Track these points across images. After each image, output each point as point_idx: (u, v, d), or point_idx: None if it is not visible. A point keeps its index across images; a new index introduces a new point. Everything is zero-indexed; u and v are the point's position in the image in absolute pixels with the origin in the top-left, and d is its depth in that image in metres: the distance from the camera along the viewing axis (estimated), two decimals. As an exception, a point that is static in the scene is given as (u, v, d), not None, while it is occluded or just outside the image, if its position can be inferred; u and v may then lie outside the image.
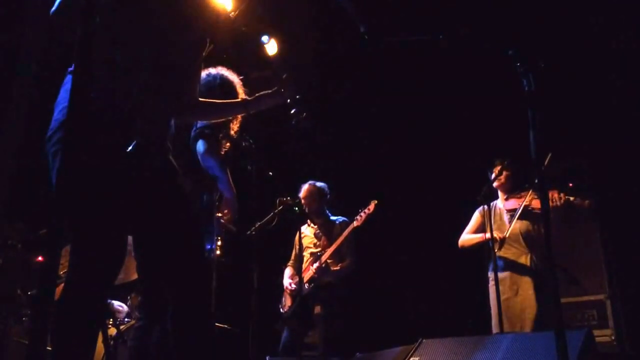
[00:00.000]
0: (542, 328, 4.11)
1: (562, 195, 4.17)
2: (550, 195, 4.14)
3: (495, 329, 4.22)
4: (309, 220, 5.26)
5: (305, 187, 5.26)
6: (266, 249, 4.49)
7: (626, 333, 4.87)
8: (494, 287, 4.28)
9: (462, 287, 4.65)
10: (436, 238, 5.27)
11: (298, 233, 4.63)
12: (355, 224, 5.05)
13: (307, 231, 5.25)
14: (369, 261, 6.25)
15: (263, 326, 4.72)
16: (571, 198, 4.22)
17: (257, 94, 2.62)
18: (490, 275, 4.47)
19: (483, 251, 4.59)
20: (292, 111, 2.97)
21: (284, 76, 2.58)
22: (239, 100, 2.80)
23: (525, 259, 4.35)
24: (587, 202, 4.27)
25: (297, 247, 4.88)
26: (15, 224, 4.08)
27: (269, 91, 2.57)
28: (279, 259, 5.63)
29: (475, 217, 4.66)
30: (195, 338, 2.12)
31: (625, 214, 5.17)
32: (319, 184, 5.33)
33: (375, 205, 5.08)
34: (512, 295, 4.27)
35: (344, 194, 5.94)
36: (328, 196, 5.33)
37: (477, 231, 4.60)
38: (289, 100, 2.61)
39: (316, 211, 5.22)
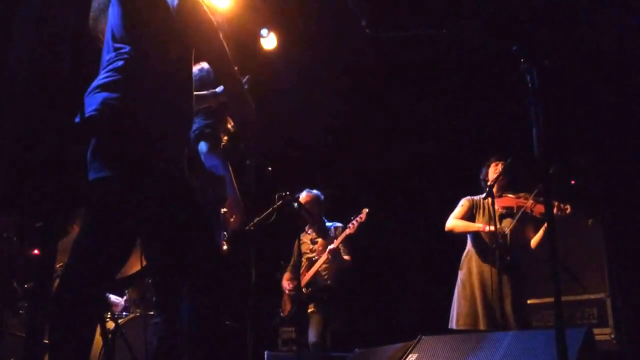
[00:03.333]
0: (514, 324, 4.15)
1: (567, 206, 4.17)
2: (556, 204, 4.15)
3: (480, 322, 4.22)
4: (306, 227, 5.43)
5: (304, 195, 5.38)
6: (264, 244, 4.49)
7: (626, 332, 4.87)
8: (470, 277, 4.39)
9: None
10: (435, 235, 5.25)
11: (297, 241, 4.74)
12: (348, 231, 5.21)
13: (305, 238, 5.40)
14: (368, 258, 6.26)
15: (261, 321, 4.72)
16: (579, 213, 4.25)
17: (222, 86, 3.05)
18: (464, 264, 4.52)
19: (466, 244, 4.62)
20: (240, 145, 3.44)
21: (247, 77, 2.98)
22: (209, 91, 3.09)
23: (507, 256, 4.37)
24: (590, 220, 4.31)
25: (296, 253, 5.00)
26: (12, 217, 4.06)
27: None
28: (277, 255, 5.64)
29: (463, 204, 4.65)
30: (211, 331, 2.16)
31: (626, 213, 5.16)
32: (314, 191, 5.49)
33: (367, 213, 5.22)
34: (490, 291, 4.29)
35: (345, 190, 5.94)
36: (323, 203, 5.50)
37: (464, 218, 4.59)
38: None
39: (314, 217, 5.35)
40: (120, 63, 2.17)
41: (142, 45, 2.20)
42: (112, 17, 2.25)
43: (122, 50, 2.19)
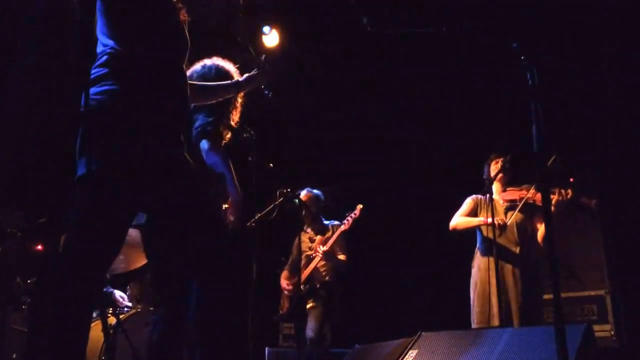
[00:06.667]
0: (526, 321, 4.15)
1: (569, 191, 4.18)
2: (557, 190, 4.16)
3: (494, 318, 4.22)
4: (305, 227, 5.48)
5: (303, 193, 5.42)
6: (265, 240, 4.50)
7: (626, 328, 4.88)
8: (480, 274, 4.40)
9: (462, 280, 4.65)
10: (436, 231, 5.27)
11: (298, 238, 4.76)
12: (343, 228, 5.28)
13: (304, 237, 5.45)
14: (369, 255, 6.27)
15: (262, 317, 4.73)
16: (582, 198, 4.24)
17: (245, 75, 2.99)
18: (475, 262, 4.53)
19: (474, 240, 4.63)
20: (265, 92, 3.34)
21: (263, 57, 3.00)
22: (231, 81, 3.03)
23: (516, 250, 4.38)
24: (594, 201, 4.30)
25: (295, 251, 5.03)
26: (15, 212, 4.08)
27: (255, 72, 2.98)
28: (278, 251, 5.66)
29: (468, 203, 4.68)
30: (224, 324, 2.17)
31: (626, 209, 5.16)
32: (315, 191, 5.56)
33: (361, 209, 5.30)
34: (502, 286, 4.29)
35: (345, 187, 5.95)
36: (322, 203, 5.58)
37: (470, 216, 4.61)
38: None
39: (312, 216, 5.42)
40: (105, 58, 2.19)
41: (127, 40, 2.21)
42: (98, 14, 2.27)
43: (108, 46, 2.21)
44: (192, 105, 3.16)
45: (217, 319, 2.23)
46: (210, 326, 2.21)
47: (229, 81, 3.03)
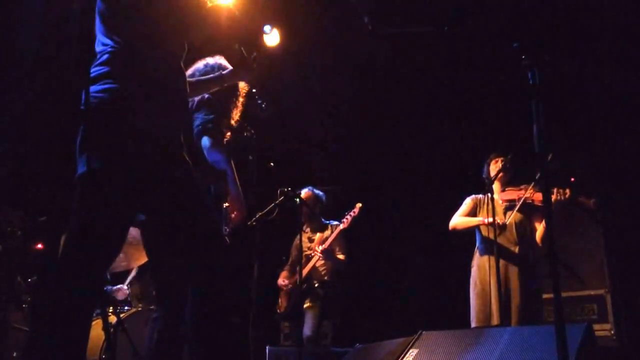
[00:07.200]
0: (525, 319, 4.16)
1: (567, 190, 4.18)
2: (555, 190, 4.16)
3: (494, 317, 4.22)
4: (304, 226, 5.45)
5: (304, 192, 5.41)
6: (266, 239, 4.51)
7: (626, 328, 4.88)
8: (480, 273, 4.42)
9: (462, 280, 4.66)
10: (436, 231, 5.28)
11: (299, 237, 4.76)
12: (342, 226, 5.27)
13: (303, 237, 5.39)
14: (368, 254, 6.27)
15: (263, 316, 4.74)
16: (580, 198, 4.24)
17: (231, 67, 2.99)
18: (474, 261, 4.54)
19: (474, 239, 4.63)
20: (259, 102, 3.37)
21: (254, 55, 2.97)
22: (214, 75, 3.03)
23: (515, 249, 4.39)
24: (592, 200, 4.30)
25: (295, 251, 5.01)
26: (15, 212, 4.08)
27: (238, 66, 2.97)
28: (278, 250, 5.66)
29: (467, 203, 4.69)
30: (217, 322, 2.17)
31: (626, 209, 5.17)
32: (317, 191, 5.55)
33: (360, 208, 5.29)
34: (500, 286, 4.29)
35: (346, 186, 5.95)
36: (323, 203, 5.57)
37: (469, 216, 4.62)
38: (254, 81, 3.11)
39: (312, 215, 5.42)
40: (105, 57, 2.20)
41: (126, 39, 2.21)
42: (97, 14, 2.28)
43: (107, 45, 2.22)
44: (193, 104, 3.17)
45: (211, 321, 2.23)
46: (205, 328, 2.21)
47: (212, 75, 3.03)
